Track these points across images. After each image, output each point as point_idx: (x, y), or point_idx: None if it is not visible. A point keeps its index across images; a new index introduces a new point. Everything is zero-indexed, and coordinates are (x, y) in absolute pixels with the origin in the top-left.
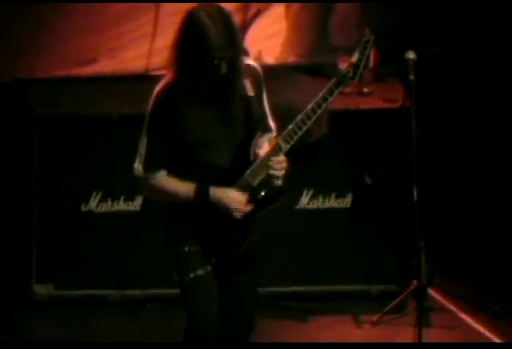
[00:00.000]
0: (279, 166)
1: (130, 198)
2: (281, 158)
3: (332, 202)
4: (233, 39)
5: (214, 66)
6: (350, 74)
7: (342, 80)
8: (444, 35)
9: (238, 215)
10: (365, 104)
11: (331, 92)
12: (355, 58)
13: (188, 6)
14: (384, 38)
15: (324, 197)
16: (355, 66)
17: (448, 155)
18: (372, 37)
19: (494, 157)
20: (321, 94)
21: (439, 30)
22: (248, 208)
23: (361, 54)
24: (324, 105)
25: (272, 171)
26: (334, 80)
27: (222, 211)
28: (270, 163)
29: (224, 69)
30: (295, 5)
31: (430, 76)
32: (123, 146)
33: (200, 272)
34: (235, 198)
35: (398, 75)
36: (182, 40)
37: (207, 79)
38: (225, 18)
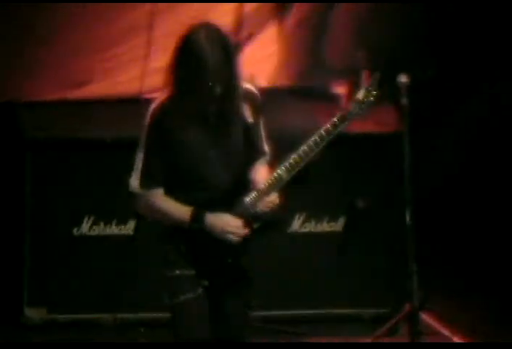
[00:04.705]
0: (269, 205)
1: (123, 221)
2: (273, 197)
3: (325, 226)
4: (229, 62)
5: (209, 88)
6: (356, 110)
7: (347, 115)
8: (438, 57)
9: (233, 240)
10: (358, 128)
11: (335, 126)
12: (360, 95)
13: (181, 27)
14: (376, 60)
15: (317, 221)
16: (361, 102)
17: (441, 178)
18: (379, 75)
19: (488, 180)
20: (324, 127)
21: (433, 52)
22: (243, 233)
23: (368, 91)
24: (327, 138)
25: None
26: (339, 114)
27: (217, 236)
28: (266, 198)
29: (218, 91)
30: (287, 27)
31: (423, 99)
32: (116, 170)
33: (190, 295)
34: (230, 223)
35: (391, 99)
36: (178, 59)
37: (202, 100)
38: (223, 40)
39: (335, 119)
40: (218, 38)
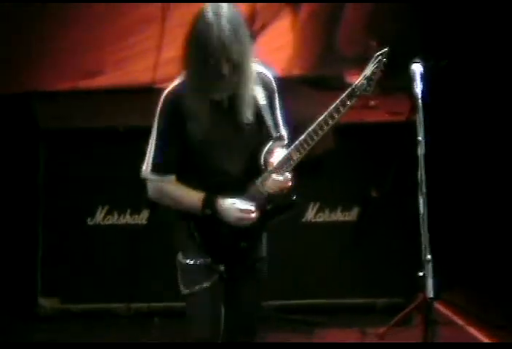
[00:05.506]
0: (280, 185)
1: (136, 211)
2: (287, 176)
3: (338, 215)
4: (238, 40)
5: (215, 66)
6: (364, 86)
7: (355, 91)
8: (452, 47)
9: (243, 225)
10: (371, 117)
11: (344, 103)
12: (369, 71)
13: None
14: (390, 50)
15: (330, 210)
16: (369, 78)
17: (455, 167)
18: (387, 50)
19: (503, 169)
20: (333, 105)
21: (446, 42)
22: (254, 217)
23: (376, 67)
24: (336, 117)
25: (276, 186)
26: (347, 92)
27: (229, 222)
28: (277, 178)
29: (226, 70)
30: (301, 17)
31: (437, 89)
32: (129, 159)
33: (205, 285)
34: (240, 209)
35: (404, 88)
36: (188, 40)
37: (212, 81)
38: (231, 16)
39: (344, 96)
40: (226, 14)
